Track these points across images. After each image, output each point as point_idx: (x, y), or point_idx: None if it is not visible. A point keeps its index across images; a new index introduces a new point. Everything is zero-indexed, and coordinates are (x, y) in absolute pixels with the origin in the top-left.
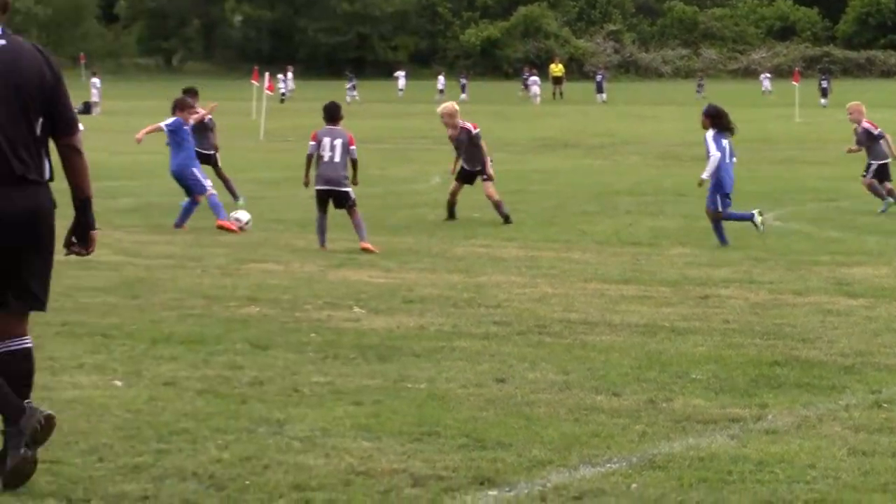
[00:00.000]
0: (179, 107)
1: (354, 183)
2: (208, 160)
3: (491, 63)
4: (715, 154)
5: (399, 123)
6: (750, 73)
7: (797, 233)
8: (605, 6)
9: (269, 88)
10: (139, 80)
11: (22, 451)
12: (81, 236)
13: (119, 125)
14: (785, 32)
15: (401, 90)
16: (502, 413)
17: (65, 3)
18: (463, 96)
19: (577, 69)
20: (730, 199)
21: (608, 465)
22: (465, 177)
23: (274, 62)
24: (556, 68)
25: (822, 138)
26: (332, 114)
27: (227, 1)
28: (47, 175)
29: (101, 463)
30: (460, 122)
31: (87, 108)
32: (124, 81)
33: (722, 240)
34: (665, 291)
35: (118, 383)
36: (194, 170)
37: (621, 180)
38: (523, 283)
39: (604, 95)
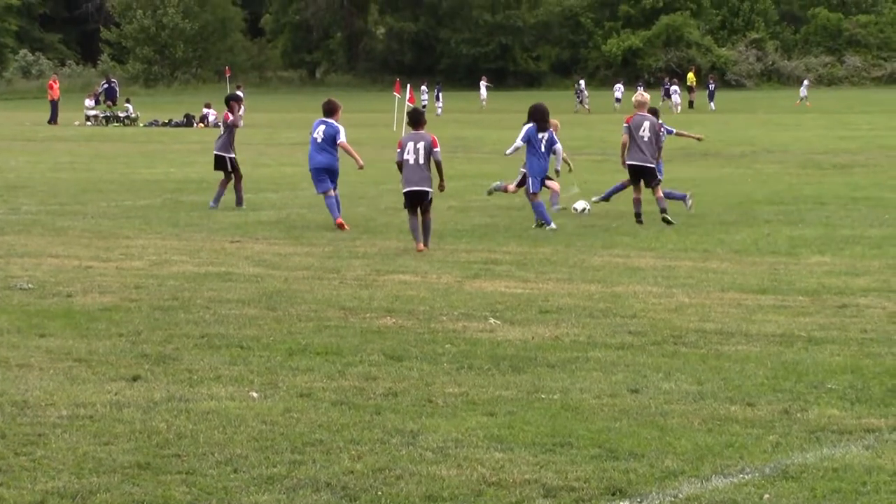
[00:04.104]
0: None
1: (440, 188)
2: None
3: (632, 72)
4: (518, 143)
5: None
6: (894, 81)
7: None
8: (749, 14)
9: (411, 100)
10: (282, 92)
11: None
12: None
13: (262, 138)
14: None
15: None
16: (635, 423)
17: (211, 18)
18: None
19: (720, 78)
20: (543, 182)
21: (741, 475)
22: None
23: (416, 73)
24: (691, 77)
25: None
26: (415, 119)
27: (370, 13)
28: None
29: (236, 474)
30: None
31: (188, 121)
32: (268, 94)
33: (545, 219)
34: (802, 301)
35: (254, 395)
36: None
37: (761, 189)
38: (659, 292)
39: (713, 105)
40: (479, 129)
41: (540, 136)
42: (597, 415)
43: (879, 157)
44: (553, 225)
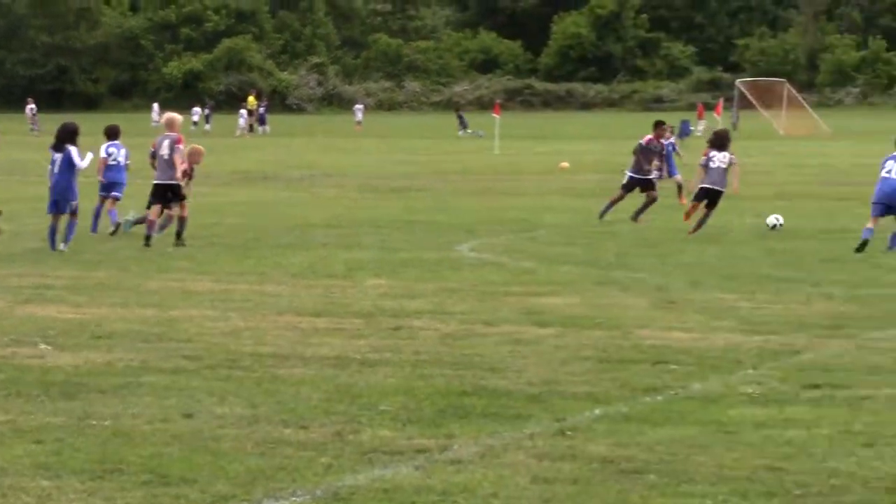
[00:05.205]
0: None
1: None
2: None
3: (193, 95)
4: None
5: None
6: (452, 106)
7: (491, 264)
8: (311, 39)
9: None
10: None
11: None
12: None
13: None
14: (488, 65)
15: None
16: (188, 448)
17: None
18: (207, 127)
19: (280, 102)
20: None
21: (292, 498)
22: None
23: None
24: (252, 101)
25: (520, 170)
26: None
27: None
28: None
29: None
30: None
31: None
32: None
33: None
34: (358, 323)
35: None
36: None
37: (319, 212)
38: (215, 316)
39: (267, 128)
40: (33, 152)
41: (56, 156)
42: (148, 440)
43: (435, 181)
44: (62, 246)
